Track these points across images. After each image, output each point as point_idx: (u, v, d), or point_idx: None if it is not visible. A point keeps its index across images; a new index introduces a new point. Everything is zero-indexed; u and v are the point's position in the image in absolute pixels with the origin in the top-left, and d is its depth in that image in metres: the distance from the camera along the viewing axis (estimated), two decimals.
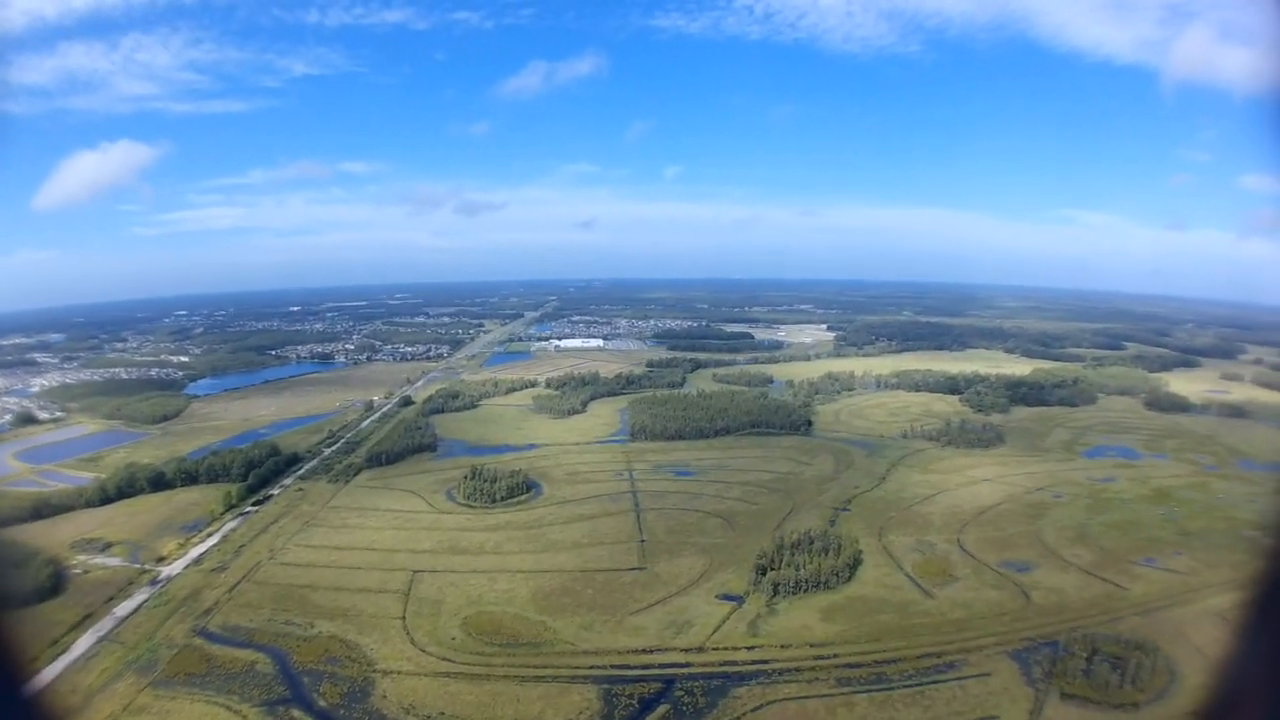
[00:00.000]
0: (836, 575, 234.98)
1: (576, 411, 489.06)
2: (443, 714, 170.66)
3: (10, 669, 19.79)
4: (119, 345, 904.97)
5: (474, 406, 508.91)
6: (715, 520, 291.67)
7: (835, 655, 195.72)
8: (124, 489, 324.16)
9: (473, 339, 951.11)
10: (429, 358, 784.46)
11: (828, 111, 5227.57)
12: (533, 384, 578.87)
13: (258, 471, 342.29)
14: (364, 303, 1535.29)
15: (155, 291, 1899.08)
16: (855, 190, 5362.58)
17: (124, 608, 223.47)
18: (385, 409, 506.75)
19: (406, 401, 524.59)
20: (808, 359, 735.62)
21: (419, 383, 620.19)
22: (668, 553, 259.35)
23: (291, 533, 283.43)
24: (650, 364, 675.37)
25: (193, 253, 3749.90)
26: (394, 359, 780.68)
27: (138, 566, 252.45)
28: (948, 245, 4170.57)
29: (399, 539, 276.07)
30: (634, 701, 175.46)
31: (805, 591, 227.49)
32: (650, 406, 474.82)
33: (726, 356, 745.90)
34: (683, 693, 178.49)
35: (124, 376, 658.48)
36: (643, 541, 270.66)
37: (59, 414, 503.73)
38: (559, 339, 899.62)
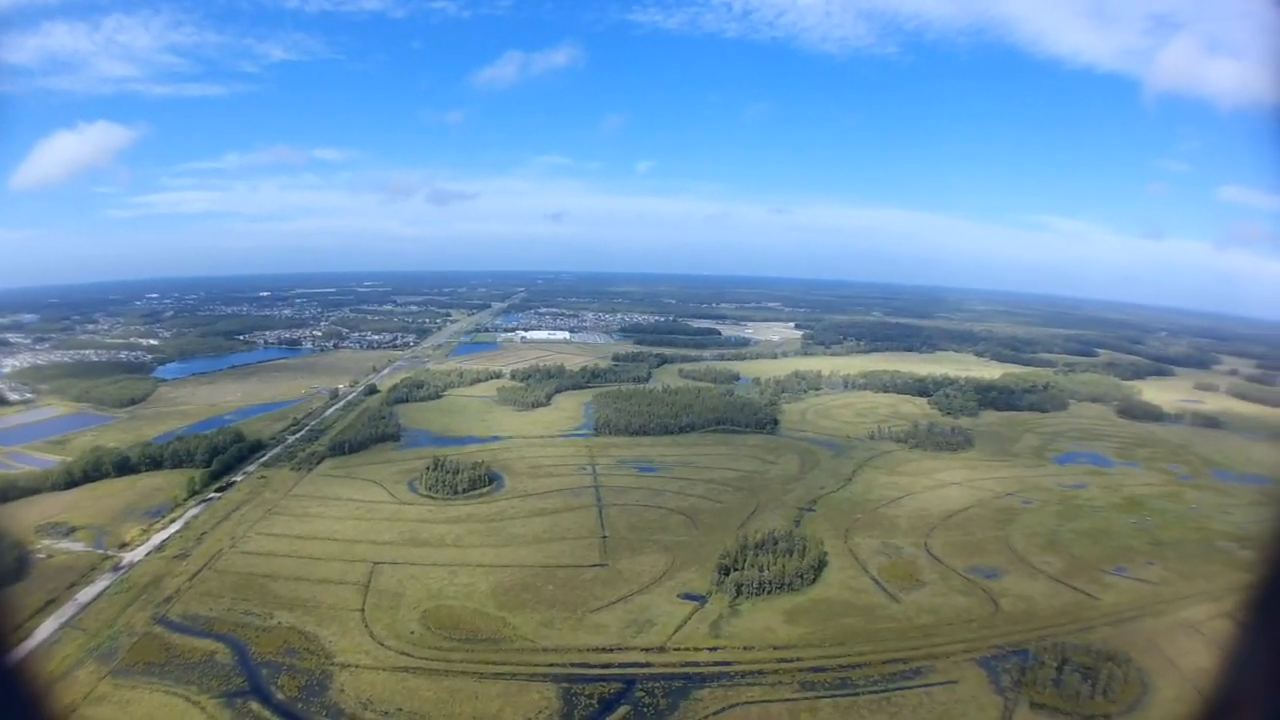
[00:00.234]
0: (801, 577, 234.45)
1: (541, 404, 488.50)
2: (400, 710, 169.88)
3: None
4: (90, 327, 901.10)
5: (438, 397, 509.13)
6: (678, 518, 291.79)
7: (799, 658, 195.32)
8: (90, 473, 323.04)
9: (440, 328, 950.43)
10: (395, 346, 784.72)
11: (803, 110, 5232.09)
12: (498, 375, 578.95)
13: (221, 458, 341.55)
14: (333, 289, 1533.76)
15: (128, 274, 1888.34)
16: (828, 190, 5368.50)
17: (86, 594, 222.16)
18: (350, 397, 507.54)
19: (371, 390, 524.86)
20: (775, 357, 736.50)
21: (385, 371, 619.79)
22: (630, 550, 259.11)
23: (253, 520, 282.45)
24: (616, 358, 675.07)
25: (166, 236, 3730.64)
26: (361, 347, 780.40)
27: (101, 552, 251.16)
28: (919, 247, 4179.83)
29: (360, 529, 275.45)
30: (594, 701, 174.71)
31: (769, 593, 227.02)
32: (615, 401, 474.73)
33: (693, 352, 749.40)
34: (643, 693, 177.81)
35: (94, 359, 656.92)
36: (605, 537, 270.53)
37: (28, 395, 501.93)
38: (526, 330, 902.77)
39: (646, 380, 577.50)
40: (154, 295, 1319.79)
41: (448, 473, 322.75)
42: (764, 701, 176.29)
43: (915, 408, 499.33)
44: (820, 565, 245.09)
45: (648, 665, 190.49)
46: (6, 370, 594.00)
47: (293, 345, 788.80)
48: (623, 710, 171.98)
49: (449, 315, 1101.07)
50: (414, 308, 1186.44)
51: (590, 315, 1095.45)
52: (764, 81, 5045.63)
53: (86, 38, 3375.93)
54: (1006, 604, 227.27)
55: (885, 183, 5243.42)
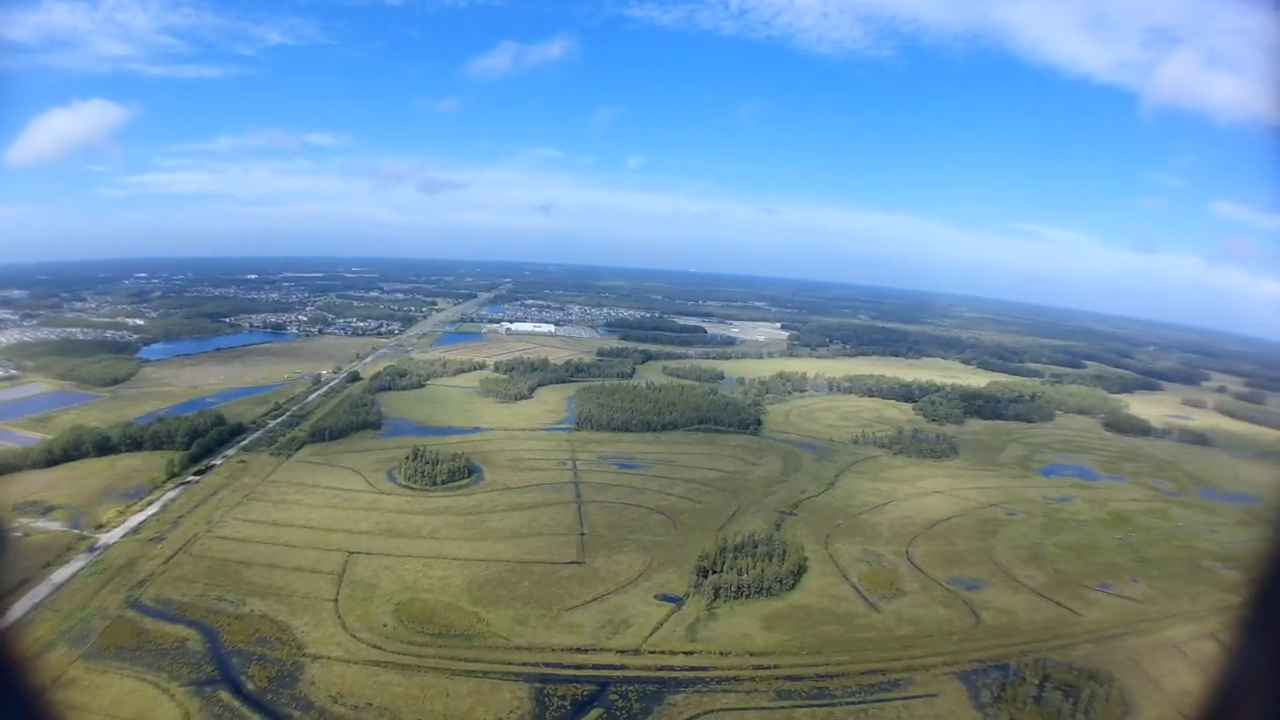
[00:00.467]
0: (780, 582, 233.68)
1: (524, 397, 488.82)
2: (370, 704, 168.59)
3: None
4: (78, 305, 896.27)
5: (421, 386, 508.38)
6: (658, 517, 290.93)
7: (776, 666, 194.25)
8: (70, 451, 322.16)
9: (425, 317, 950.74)
10: (380, 333, 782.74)
11: (796, 111, 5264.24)
12: (481, 366, 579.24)
13: (201, 440, 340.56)
14: (320, 274, 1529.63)
15: (118, 253, 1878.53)
16: (818, 191, 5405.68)
17: (61, 574, 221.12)
18: (333, 383, 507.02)
19: (354, 377, 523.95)
20: (760, 357, 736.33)
21: (368, 358, 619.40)
22: (607, 548, 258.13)
23: (230, 505, 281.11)
24: (601, 353, 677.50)
25: (157, 216, 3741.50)
26: (346, 333, 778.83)
27: (77, 532, 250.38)
28: (907, 251, 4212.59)
29: (337, 518, 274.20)
30: (566, 703, 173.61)
31: (747, 597, 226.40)
32: (598, 396, 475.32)
33: (678, 350, 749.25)
34: (617, 696, 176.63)
35: (80, 337, 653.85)
36: (582, 535, 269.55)
37: (13, 372, 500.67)
38: (511, 322, 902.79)
39: (630, 376, 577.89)
40: (143, 275, 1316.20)
41: (427, 463, 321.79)
42: (739, 709, 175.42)
43: (900, 413, 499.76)
44: (800, 571, 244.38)
45: (622, 668, 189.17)
46: None
47: (278, 329, 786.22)
48: (595, 713, 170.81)
49: (435, 304, 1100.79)
50: (400, 295, 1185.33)
51: (576, 309, 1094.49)
52: (758, 80, 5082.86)
53: (85, 16, 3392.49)
54: (988, 617, 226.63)
55: (876, 186, 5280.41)
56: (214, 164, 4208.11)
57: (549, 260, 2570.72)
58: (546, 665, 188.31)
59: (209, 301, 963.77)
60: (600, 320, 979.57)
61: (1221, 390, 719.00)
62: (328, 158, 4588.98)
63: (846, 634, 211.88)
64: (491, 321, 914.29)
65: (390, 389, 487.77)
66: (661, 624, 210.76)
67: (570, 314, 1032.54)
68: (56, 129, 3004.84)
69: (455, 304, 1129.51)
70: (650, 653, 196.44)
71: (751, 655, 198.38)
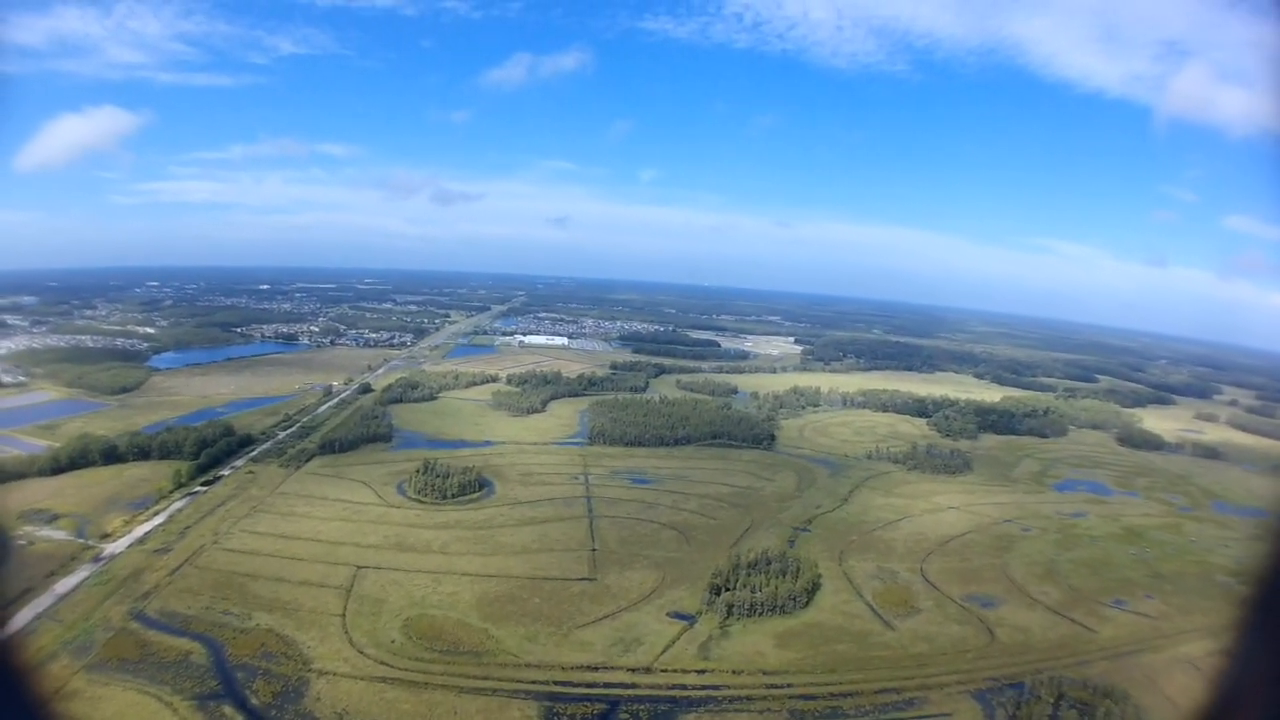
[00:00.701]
0: (794, 599, 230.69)
1: (536, 410, 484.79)
2: None
3: None
4: (89, 312, 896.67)
5: (433, 398, 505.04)
6: (670, 532, 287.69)
7: (789, 685, 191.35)
8: (76, 460, 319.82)
9: (438, 329, 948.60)
10: (392, 345, 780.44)
11: (809, 125, 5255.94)
12: (494, 379, 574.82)
13: (209, 451, 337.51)
14: (333, 285, 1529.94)
15: (130, 260, 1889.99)
16: (831, 205, 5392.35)
17: (65, 584, 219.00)
18: (344, 395, 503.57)
19: (366, 389, 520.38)
20: (774, 371, 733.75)
21: (380, 370, 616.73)
22: (619, 564, 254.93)
23: (238, 517, 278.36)
24: (614, 366, 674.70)
25: (169, 224, 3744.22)
26: (357, 344, 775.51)
27: (82, 541, 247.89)
28: (920, 266, 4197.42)
29: (345, 531, 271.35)
30: None
31: (760, 615, 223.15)
32: (611, 410, 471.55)
33: (691, 364, 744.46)
34: (627, 716, 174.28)
35: (89, 344, 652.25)
36: (594, 550, 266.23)
37: (22, 379, 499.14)
38: (524, 334, 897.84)
39: (644, 390, 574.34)
40: (154, 283, 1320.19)
41: (438, 477, 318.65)
42: None
43: (914, 428, 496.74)
44: (814, 588, 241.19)
45: (633, 686, 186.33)
46: (2, 352, 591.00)
47: (289, 340, 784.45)
48: None
49: (448, 316, 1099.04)
50: (413, 307, 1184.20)
51: (590, 322, 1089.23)
52: (772, 94, 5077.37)
53: (97, 22, 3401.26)
54: (1003, 634, 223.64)
55: (889, 200, 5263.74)
56: (226, 173, 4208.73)
57: (563, 273, 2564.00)
58: (556, 683, 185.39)
59: (220, 311, 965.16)
60: (614, 333, 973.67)
61: (1233, 404, 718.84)
62: (340, 168, 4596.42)
63: (860, 652, 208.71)
64: (504, 334, 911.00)
65: (402, 401, 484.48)
66: (674, 642, 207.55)
67: (584, 327, 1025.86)
68: (67, 135, 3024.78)
69: (468, 316, 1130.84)
70: (662, 671, 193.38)
71: (764, 674, 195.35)
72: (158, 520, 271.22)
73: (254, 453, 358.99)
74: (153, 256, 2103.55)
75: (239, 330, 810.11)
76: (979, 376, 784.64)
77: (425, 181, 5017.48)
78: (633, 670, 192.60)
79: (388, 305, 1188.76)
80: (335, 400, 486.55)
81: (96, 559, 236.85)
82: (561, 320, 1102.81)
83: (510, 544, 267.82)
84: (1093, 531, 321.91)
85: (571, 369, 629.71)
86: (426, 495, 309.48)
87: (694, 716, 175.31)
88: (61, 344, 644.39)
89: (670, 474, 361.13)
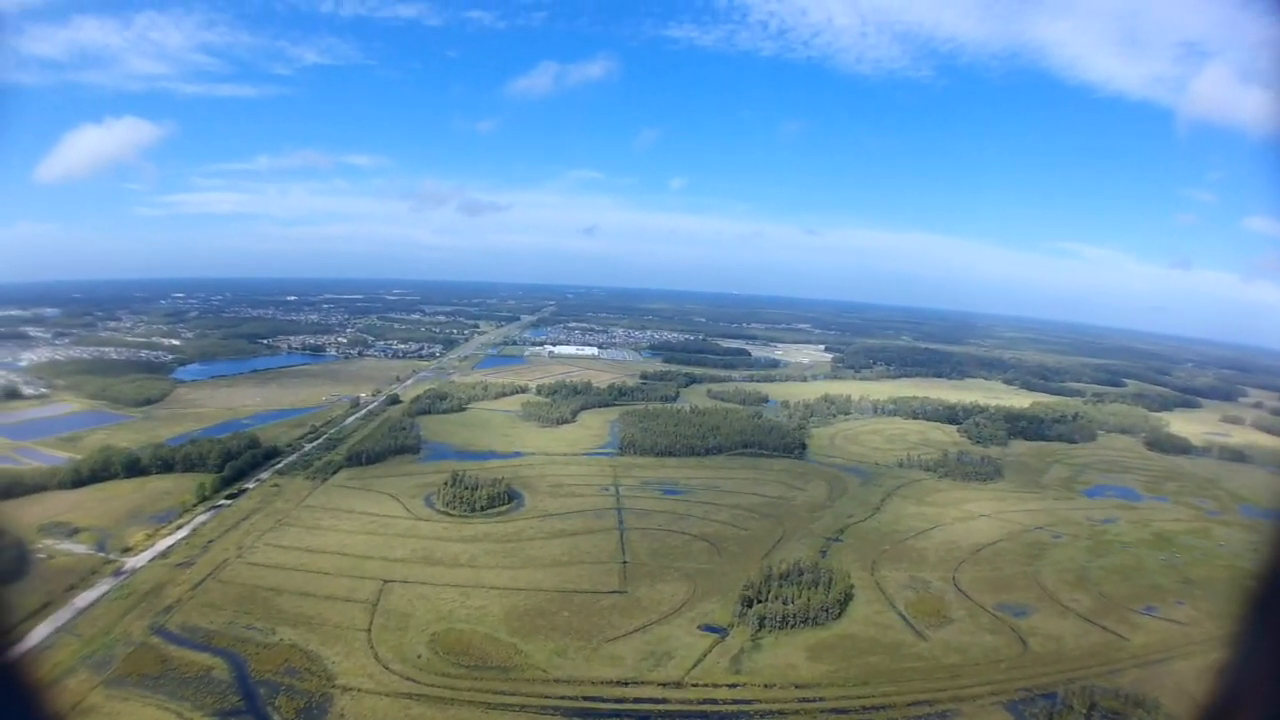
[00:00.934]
0: (826, 611, 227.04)
1: (566, 421, 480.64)
2: None
3: None
4: (112, 324, 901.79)
5: (462, 409, 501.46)
6: (701, 544, 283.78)
7: (821, 698, 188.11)
8: (98, 472, 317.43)
9: (467, 340, 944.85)
10: (421, 356, 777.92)
11: (836, 131, 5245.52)
12: (523, 390, 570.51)
13: (234, 463, 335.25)
14: (361, 296, 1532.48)
15: (155, 272, 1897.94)
16: (859, 212, 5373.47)
17: (85, 598, 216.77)
18: (371, 406, 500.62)
19: (394, 400, 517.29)
20: (804, 379, 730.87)
21: (408, 381, 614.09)
22: (650, 576, 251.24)
23: (262, 530, 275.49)
24: (644, 376, 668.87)
25: (194, 236, 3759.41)
26: (385, 355, 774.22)
27: (103, 555, 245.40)
28: (947, 272, 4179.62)
29: (372, 545, 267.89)
30: None
31: (792, 627, 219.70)
32: (641, 420, 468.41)
33: (722, 372, 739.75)
34: None
35: (113, 356, 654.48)
36: (625, 563, 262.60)
37: (44, 390, 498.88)
38: (554, 345, 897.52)
39: (674, 400, 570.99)
40: (179, 295, 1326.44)
41: (466, 489, 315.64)
42: None
43: (945, 435, 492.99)
44: (846, 599, 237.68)
45: (663, 701, 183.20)
46: (23, 364, 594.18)
47: (317, 351, 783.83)
48: None
49: (477, 327, 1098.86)
50: (442, 318, 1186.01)
51: (620, 331, 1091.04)
52: (798, 101, 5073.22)
53: (117, 34, 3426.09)
54: (1035, 644, 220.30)
55: (915, 206, 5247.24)
56: (251, 184, 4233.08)
57: (592, 283, 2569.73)
58: (585, 699, 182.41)
59: (247, 322, 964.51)
60: (644, 343, 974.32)
61: (1258, 406, 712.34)
62: (367, 178, 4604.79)
63: (893, 664, 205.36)
64: (534, 344, 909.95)
65: (430, 412, 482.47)
66: (705, 655, 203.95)
67: (614, 337, 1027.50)
68: (88, 146, 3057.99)
69: (498, 327, 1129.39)
70: (693, 685, 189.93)
71: (796, 687, 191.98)
72: (181, 534, 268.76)
73: (280, 465, 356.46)
74: (178, 268, 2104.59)
75: (265, 342, 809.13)
76: (1008, 382, 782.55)
77: (453, 192, 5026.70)
78: (663, 685, 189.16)
79: (416, 316, 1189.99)
80: (363, 412, 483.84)
81: (117, 573, 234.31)
82: (591, 330, 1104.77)
83: (540, 557, 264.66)
84: (1123, 537, 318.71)
85: (602, 379, 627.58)
86: (455, 508, 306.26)
87: None
88: (85, 356, 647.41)
89: (701, 484, 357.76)
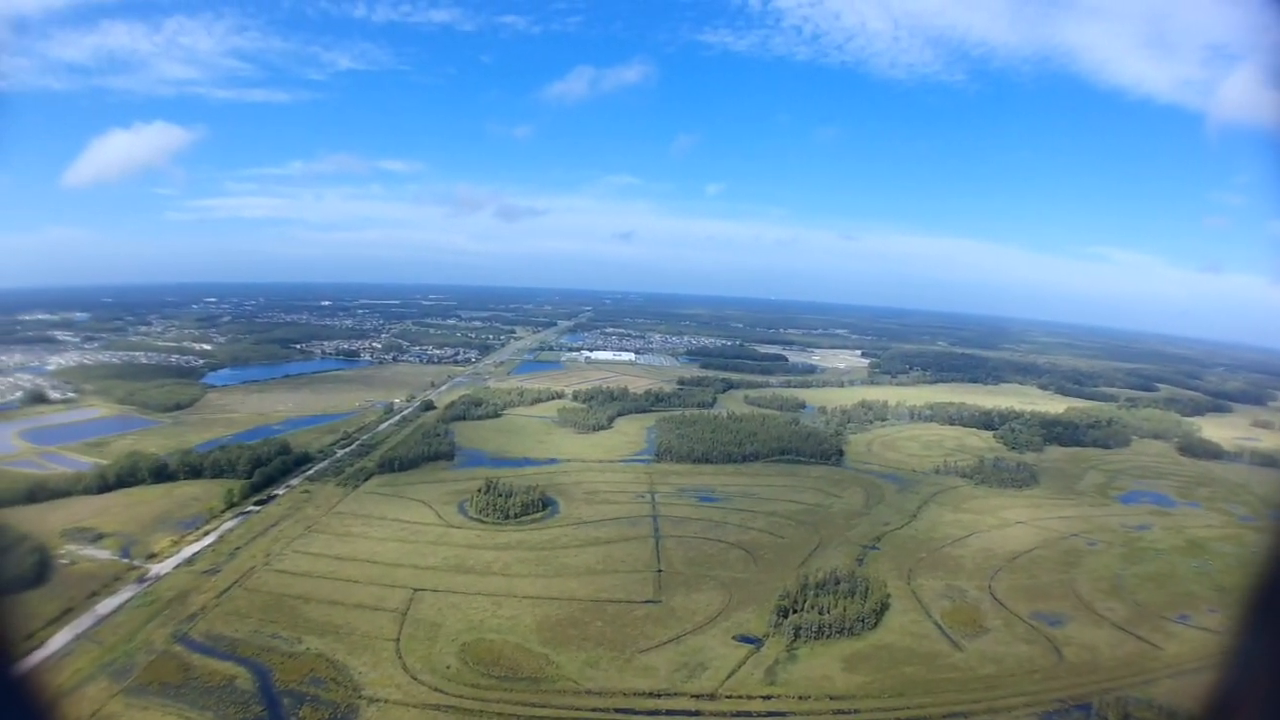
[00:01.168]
0: (862, 621, 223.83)
1: (602, 427, 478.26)
2: None
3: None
4: (143, 329, 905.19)
5: (497, 415, 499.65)
6: (737, 552, 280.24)
7: (856, 710, 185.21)
8: (125, 478, 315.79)
9: (503, 345, 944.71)
10: (456, 361, 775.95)
11: (870, 136, 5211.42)
12: (559, 395, 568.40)
13: (264, 469, 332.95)
14: (397, 301, 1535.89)
15: (186, 277, 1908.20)
16: (894, 217, 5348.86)
17: (106, 605, 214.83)
18: (405, 412, 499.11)
19: (428, 406, 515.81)
20: (841, 385, 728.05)
21: (443, 386, 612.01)
22: (685, 586, 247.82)
23: (291, 537, 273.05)
24: (681, 382, 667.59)
25: (227, 240, 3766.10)
26: (420, 360, 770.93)
27: (127, 561, 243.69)
28: (981, 276, 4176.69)
29: (403, 552, 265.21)
30: None
31: (828, 637, 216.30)
32: (678, 426, 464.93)
33: (759, 378, 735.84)
34: None
35: (143, 361, 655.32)
36: (659, 571, 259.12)
37: (71, 395, 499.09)
38: (590, 350, 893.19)
39: (711, 405, 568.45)
40: (212, 299, 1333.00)
41: (500, 496, 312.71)
42: None
43: (981, 441, 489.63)
44: (882, 608, 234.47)
45: (696, 714, 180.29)
46: (50, 368, 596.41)
47: (351, 356, 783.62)
48: None
49: (513, 332, 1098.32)
50: (478, 323, 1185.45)
51: (657, 337, 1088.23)
52: (833, 106, 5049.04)
53: (146, 39, 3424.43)
54: (1070, 653, 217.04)
55: (950, 211, 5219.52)
56: (285, 189, 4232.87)
57: (629, 288, 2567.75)
58: (617, 710, 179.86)
59: (280, 327, 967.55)
60: (681, 348, 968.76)
61: None
62: (402, 184, 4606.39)
63: (929, 675, 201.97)
64: (571, 350, 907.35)
65: (465, 418, 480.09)
66: (739, 666, 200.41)
67: (651, 342, 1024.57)
68: (118, 150, 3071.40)
69: (534, 332, 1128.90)
70: (727, 697, 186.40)
71: (831, 699, 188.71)
72: (207, 540, 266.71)
73: (310, 471, 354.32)
74: (210, 273, 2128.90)
75: (299, 347, 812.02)
76: (1043, 388, 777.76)
77: (489, 197, 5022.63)
78: (697, 697, 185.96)
79: (452, 321, 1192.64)
80: (396, 418, 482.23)
81: (141, 579, 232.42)
82: (628, 335, 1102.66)
83: (573, 565, 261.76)
84: (1157, 544, 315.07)
85: (638, 385, 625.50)
86: (488, 515, 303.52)
87: None
88: (114, 360, 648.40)
89: (738, 491, 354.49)
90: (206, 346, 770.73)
